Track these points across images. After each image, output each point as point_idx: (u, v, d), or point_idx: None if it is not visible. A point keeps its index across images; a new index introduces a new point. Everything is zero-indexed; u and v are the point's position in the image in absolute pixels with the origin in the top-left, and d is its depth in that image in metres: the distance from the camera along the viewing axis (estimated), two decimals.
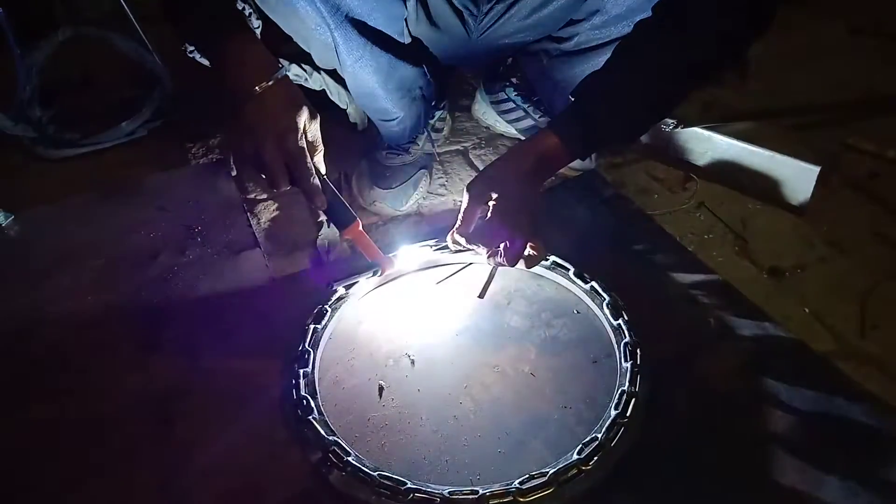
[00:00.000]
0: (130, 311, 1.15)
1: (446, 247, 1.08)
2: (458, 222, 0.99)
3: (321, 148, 0.95)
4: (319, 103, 0.98)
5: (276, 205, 1.37)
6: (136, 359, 1.07)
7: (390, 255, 1.14)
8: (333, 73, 1.37)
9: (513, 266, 0.98)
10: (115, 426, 0.97)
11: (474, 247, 1.00)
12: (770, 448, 0.90)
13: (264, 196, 1.40)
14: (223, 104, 0.90)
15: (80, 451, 0.95)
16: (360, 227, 1.01)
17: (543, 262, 1.13)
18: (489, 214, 0.97)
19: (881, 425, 0.92)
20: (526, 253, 0.98)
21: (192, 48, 1.08)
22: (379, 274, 1.12)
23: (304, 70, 1.32)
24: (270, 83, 0.88)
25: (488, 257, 0.98)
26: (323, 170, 0.96)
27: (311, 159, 0.93)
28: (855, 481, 0.86)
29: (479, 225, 1.00)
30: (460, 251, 1.07)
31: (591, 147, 0.99)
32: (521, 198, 0.96)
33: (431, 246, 1.18)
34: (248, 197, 1.40)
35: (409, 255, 1.17)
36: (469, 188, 0.98)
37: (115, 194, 1.42)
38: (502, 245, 0.96)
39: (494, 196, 0.95)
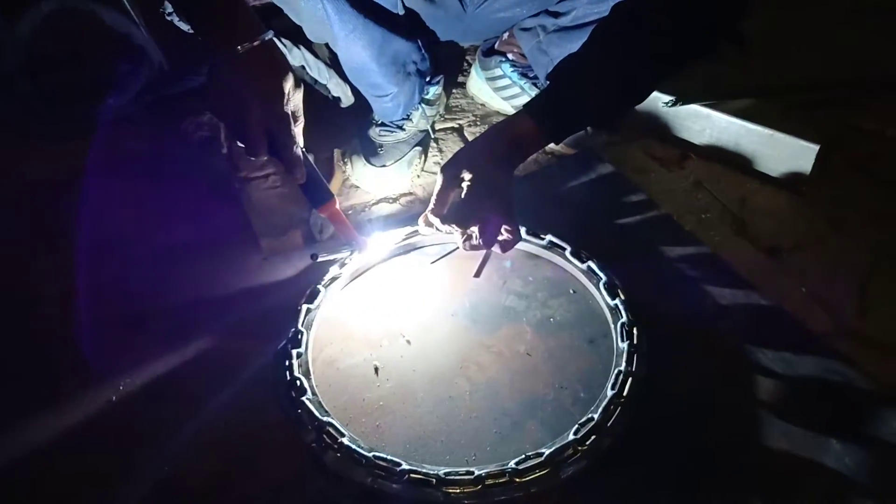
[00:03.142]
0: (120, 291, 1.14)
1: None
2: (432, 204, 0.97)
3: (302, 120, 0.91)
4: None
5: (268, 183, 1.35)
6: (127, 338, 1.06)
7: (366, 236, 1.10)
8: (314, 50, 1.34)
9: (489, 248, 0.97)
10: (106, 407, 0.96)
11: (447, 229, 0.97)
12: (768, 424, 0.90)
13: (256, 174, 1.37)
14: (205, 66, 0.85)
15: (73, 430, 0.94)
16: (337, 206, 0.98)
17: (539, 242, 1.12)
18: (462, 196, 0.96)
19: (875, 389, 0.93)
20: (500, 237, 0.96)
21: (170, 10, 1.04)
22: (359, 252, 1.09)
23: (284, 44, 1.29)
24: (256, 43, 0.82)
25: (463, 241, 0.96)
26: (301, 142, 0.92)
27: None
28: (854, 446, 0.87)
29: (454, 207, 0.97)
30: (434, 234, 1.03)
31: (564, 131, 0.98)
32: (493, 180, 0.94)
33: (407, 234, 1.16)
34: (240, 175, 1.37)
35: (384, 238, 1.15)
36: (443, 170, 0.96)
37: (103, 172, 1.39)
38: (476, 228, 0.95)
39: (468, 178, 0.94)
